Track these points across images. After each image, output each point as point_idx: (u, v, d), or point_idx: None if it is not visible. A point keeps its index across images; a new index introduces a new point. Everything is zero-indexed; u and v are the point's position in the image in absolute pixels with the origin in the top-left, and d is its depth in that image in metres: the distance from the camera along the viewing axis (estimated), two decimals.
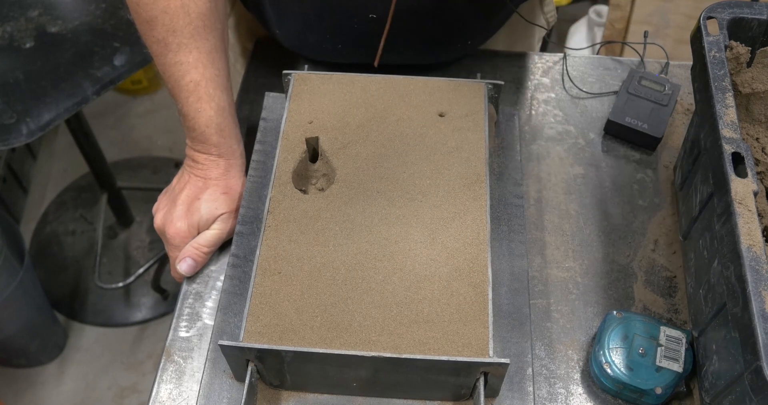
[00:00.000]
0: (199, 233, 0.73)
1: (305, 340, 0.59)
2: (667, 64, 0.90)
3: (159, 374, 0.67)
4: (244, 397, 0.58)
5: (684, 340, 0.65)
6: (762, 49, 0.69)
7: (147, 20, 0.71)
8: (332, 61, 0.87)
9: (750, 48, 0.68)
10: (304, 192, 0.70)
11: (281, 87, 0.80)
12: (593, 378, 0.67)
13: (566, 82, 0.90)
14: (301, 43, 0.86)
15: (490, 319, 0.60)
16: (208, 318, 0.70)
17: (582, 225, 0.77)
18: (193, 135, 0.73)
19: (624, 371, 0.64)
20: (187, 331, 0.70)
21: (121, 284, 1.65)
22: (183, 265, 0.71)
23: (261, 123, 0.80)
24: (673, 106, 0.84)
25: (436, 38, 0.83)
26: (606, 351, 0.65)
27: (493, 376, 0.59)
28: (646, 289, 0.73)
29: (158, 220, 0.74)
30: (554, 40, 0.90)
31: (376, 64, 0.77)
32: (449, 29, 0.82)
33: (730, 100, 0.61)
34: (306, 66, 0.79)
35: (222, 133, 0.73)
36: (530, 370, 0.64)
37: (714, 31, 0.67)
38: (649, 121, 0.82)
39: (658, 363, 0.64)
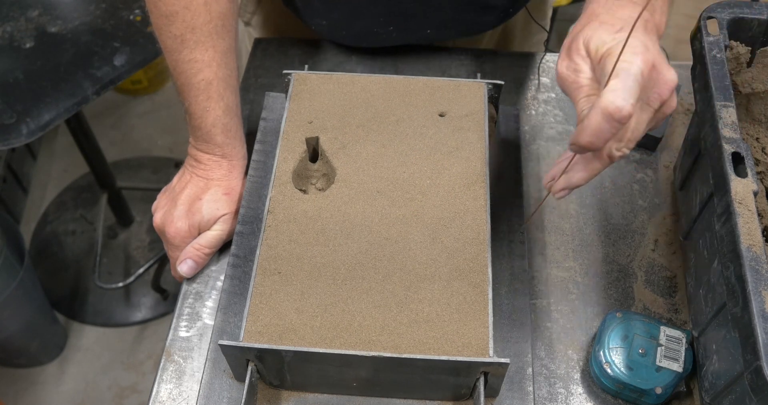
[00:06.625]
0: (199, 234, 0.73)
1: (305, 339, 0.59)
2: None
3: (159, 374, 0.67)
4: (244, 397, 0.58)
5: (684, 340, 0.65)
6: (762, 49, 0.69)
7: (167, 15, 0.70)
8: (378, 45, 0.88)
9: (750, 48, 0.68)
10: (304, 192, 0.70)
11: (281, 87, 0.80)
12: (593, 378, 0.67)
13: None
14: (347, 32, 0.86)
15: (490, 319, 0.60)
16: (208, 318, 0.70)
17: (582, 225, 0.77)
18: (198, 134, 0.73)
19: (624, 371, 0.64)
20: (187, 331, 0.70)
21: (121, 284, 1.65)
22: (184, 267, 0.71)
23: (261, 123, 0.80)
24: None
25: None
26: (606, 351, 0.65)
27: (493, 375, 0.59)
28: (646, 289, 0.73)
29: (158, 219, 0.74)
30: (552, 48, 0.91)
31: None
32: None
33: (730, 100, 0.61)
34: (306, 66, 0.78)
35: (227, 134, 0.73)
36: (530, 370, 0.64)
37: (714, 31, 0.67)
38: None
39: (658, 363, 0.64)
